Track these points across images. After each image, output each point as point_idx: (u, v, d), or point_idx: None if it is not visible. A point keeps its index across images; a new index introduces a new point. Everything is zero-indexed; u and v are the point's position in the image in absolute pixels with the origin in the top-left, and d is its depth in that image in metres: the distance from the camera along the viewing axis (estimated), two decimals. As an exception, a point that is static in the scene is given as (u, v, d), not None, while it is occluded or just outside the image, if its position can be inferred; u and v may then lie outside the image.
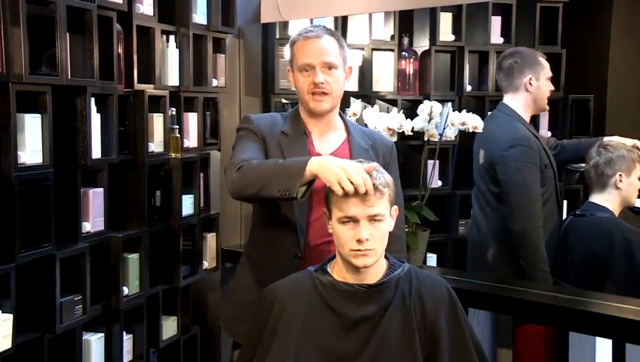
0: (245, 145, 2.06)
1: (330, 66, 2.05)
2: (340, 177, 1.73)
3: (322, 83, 2.03)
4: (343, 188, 1.72)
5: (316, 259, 1.93)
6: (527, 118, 2.72)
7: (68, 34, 2.29)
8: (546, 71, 2.71)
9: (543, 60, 2.72)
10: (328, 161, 1.81)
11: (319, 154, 2.04)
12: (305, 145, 2.08)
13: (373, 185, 1.73)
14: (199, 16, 2.99)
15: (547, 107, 2.77)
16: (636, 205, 2.63)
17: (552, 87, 2.76)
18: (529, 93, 2.70)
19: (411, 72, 3.37)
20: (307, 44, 2.06)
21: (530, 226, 2.59)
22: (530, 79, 2.69)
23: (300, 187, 1.84)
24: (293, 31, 3.38)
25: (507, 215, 2.64)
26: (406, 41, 3.37)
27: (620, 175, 2.56)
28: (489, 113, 2.84)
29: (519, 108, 2.71)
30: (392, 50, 3.36)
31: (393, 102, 3.29)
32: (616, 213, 2.59)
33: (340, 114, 2.18)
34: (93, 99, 2.41)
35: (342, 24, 3.32)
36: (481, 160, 2.75)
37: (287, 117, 2.17)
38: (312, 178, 1.84)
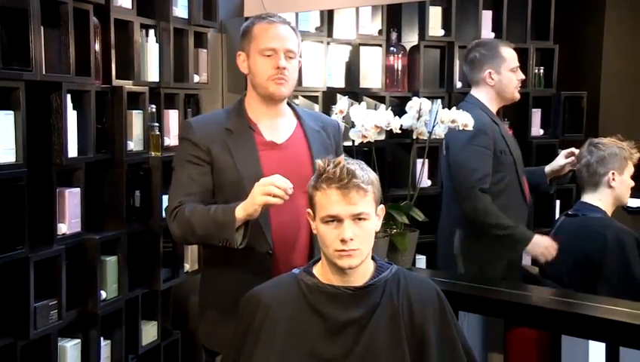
0: (181, 176, 2.08)
1: (291, 54, 2.09)
2: (264, 191, 1.87)
3: (285, 68, 2.06)
4: (277, 196, 1.87)
5: (285, 251, 1.99)
6: (494, 109, 2.78)
7: (42, 27, 2.27)
8: (508, 63, 2.76)
9: (505, 52, 2.76)
10: (245, 201, 1.92)
11: (271, 143, 2.10)
12: (251, 139, 2.09)
13: (357, 184, 1.74)
14: (180, 10, 2.98)
15: (517, 97, 2.80)
16: (629, 204, 2.65)
17: (522, 76, 2.79)
18: (490, 86, 2.76)
19: (400, 68, 3.38)
20: (271, 28, 2.08)
21: (473, 195, 2.64)
22: (490, 73, 2.75)
23: (239, 233, 1.94)
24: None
25: (458, 199, 2.71)
26: (394, 36, 3.37)
27: (613, 173, 2.58)
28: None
29: (485, 101, 2.77)
30: (380, 46, 3.37)
31: (381, 99, 3.30)
32: (609, 212, 2.60)
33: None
34: (69, 96, 2.40)
35: (328, 18, 3.32)
36: (444, 151, 2.82)
37: (230, 112, 2.17)
38: (244, 220, 1.93)
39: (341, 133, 2.27)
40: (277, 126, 2.14)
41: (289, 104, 2.21)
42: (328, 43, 3.35)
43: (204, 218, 1.97)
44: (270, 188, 1.87)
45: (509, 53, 2.76)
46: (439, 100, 2.57)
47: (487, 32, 3.29)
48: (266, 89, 2.08)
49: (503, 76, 2.75)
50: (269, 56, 2.06)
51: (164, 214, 2.84)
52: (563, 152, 2.78)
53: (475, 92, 2.82)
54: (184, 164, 2.08)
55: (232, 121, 2.12)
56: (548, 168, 2.83)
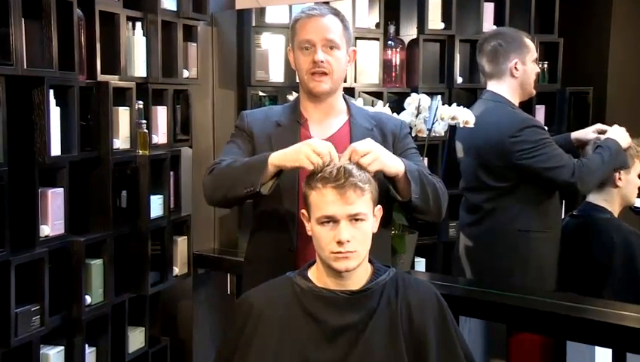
0: (228, 148, 2.16)
1: (331, 45, 2.07)
2: (304, 152, 1.84)
3: (322, 62, 2.05)
4: (313, 164, 1.81)
5: (311, 250, 1.94)
6: (516, 104, 2.71)
7: (23, 20, 2.26)
8: (532, 53, 2.70)
9: (528, 42, 2.70)
10: (288, 148, 1.91)
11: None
12: (296, 133, 2.11)
13: (354, 183, 1.74)
14: (168, 2, 2.98)
15: (534, 91, 2.75)
16: (636, 204, 2.65)
17: (538, 70, 2.75)
18: (515, 78, 2.68)
19: (398, 63, 3.38)
20: (309, 22, 2.09)
21: (577, 175, 2.51)
22: (516, 63, 2.66)
23: (267, 182, 1.94)
24: (270, 18, 3.37)
25: (556, 180, 2.55)
26: (392, 29, 3.37)
27: (619, 172, 2.58)
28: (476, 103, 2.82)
29: (509, 95, 2.69)
30: (377, 39, 3.37)
31: (378, 95, 3.30)
32: (616, 213, 2.60)
33: (344, 97, 2.20)
34: (51, 91, 2.39)
35: (323, 11, 3.31)
36: (476, 152, 2.70)
37: (286, 106, 2.23)
38: (275, 171, 1.93)
39: (404, 130, 2.21)
40: (327, 122, 2.15)
41: (346, 100, 2.21)
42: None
43: (236, 166, 2.02)
44: (317, 159, 1.82)
45: (530, 43, 2.70)
46: (439, 96, 2.57)
47: (488, 25, 3.29)
48: (306, 85, 2.10)
49: (528, 67, 2.67)
50: (306, 49, 2.07)
51: (152, 215, 2.84)
52: (594, 127, 2.70)
53: (495, 86, 2.71)
54: (233, 139, 2.18)
55: (285, 114, 2.17)
56: (574, 135, 2.75)
